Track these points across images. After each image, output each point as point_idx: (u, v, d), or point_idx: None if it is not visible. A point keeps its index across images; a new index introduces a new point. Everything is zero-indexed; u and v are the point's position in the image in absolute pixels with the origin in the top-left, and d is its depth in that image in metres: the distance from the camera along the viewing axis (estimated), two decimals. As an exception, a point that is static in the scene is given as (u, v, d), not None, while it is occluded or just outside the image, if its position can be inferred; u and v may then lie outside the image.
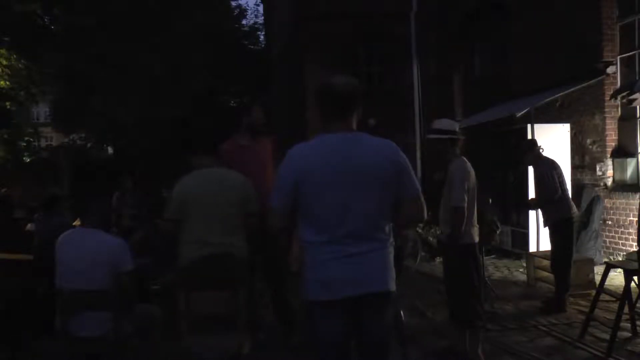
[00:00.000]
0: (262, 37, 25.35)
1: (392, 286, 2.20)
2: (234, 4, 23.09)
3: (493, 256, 7.47)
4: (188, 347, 3.11)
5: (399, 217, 2.25)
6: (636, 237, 4.54)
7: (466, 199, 3.55)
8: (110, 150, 20.90)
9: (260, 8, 25.79)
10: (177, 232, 3.32)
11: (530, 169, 5.54)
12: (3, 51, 12.37)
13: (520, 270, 6.75)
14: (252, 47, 24.42)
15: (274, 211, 2.18)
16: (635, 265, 3.88)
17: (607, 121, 7.03)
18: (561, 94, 7.31)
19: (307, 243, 2.17)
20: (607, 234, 6.99)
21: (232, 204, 3.32)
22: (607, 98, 6.95)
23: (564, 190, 5.01)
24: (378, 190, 2.15)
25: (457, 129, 3.80)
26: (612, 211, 6.94)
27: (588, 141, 7.34)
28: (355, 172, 2.12)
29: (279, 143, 4.25)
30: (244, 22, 24.43)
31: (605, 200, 7.03)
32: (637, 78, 6.56)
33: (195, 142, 3.55)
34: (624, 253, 6.55)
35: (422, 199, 2.24)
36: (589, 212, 7.02)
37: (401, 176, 2.18)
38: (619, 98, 6.64)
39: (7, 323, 4.12)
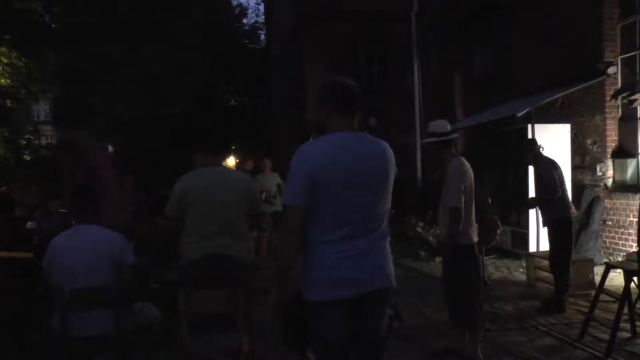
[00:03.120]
0: (262, 36, 25.38)
1: (394, 281, 2.25)
2: (234, 2, 23.13)
3: (493, 256, 7.46)
4: (187, 346, 3.10)
5: None
6: (636, 238, 4.54)
7: (463, 199, 3.55)
8: (110, 148, 20.89)
9: (261, 7, 25.80)
10: (176, 229, 3.28)
11: (531, 169, 5.54)
12: (3, 49, 12.36)
13: (520, 270, 6.75)
14: (252, 46, 24.43)
15: (293, 209, 2.12)
16: (635, 265, 3.88)
17: (608, 122, 7.02)
18: (562, 94, 7.31)
19: (318, 242, 2.14)
20: (607, 234, 6.99)
21: (234, 204, 3.27)
22: (608, 98, 6.95)
23: (564, 190, 5.01)
24: (384, 188, 2.21)
25: (449, 129, 3.81)
26: (612, 212, 6.94)
27: (588, 141, 7.34)
28: (366, 171, 2.16)
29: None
30: (244, 21, 24.48)
31: (605, 200, 7.03)
32: (637, 79, 6.56)
33: (201, 141, 3.44)
34: (624, 253, 6.55)
35: None
36: (589, 213, 7.02)
37: (395, 174, 2.28)
38: (619, 98, 6.64)
39: (8, 321, 4.12)
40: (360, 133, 2.23)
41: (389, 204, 2.24)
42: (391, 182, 2.25)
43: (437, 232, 4.80)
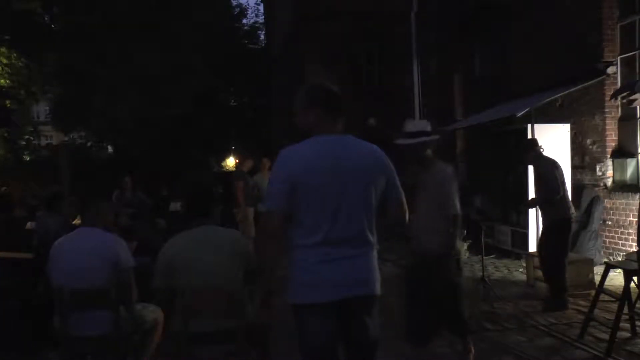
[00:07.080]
0: (262, 36, 25.38)
1: (379, 289, 2.22)
2: (234, 2, 23.12)
3: (493, 256, 7.46)
4: (187, 346, 3.10)
5: (384, 219, 2.28)
6: (636, 238, 4.54)
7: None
8: (110, 149, 20.90)
9: (261, 7, 25.81)
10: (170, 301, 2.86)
11: (531, 169, 5.54)
12: (3, 50, 12.39)
13: (520, 270, 6.75)
14: (252, 46, 24.43)
15: (272, 213, 2.11)
16: (634, 265, 3.88)
17: (607, 121, 7.02)
18: (561, 94, 7.31)
19: (297, 246, 2.14)
20: (607, 234, 6.99)
21: (225, 268, 2.80)
22: (608, 98, 6.94)
23: (564, 190, 5.02)
24: (368, 194, 2.17)
25: (429, 129, 3.40)
26: (612, 211, 6.94)
27: (588, 141, 7.34)
28: (348, 175, 2.13)
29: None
30: (244, 21, 24.47)
31: (605, 200, 7.03)
32: (637, 78, 6.55)
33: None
34: (624, 253, 6.54)
35: (405, 202, 2.30)
36: (588, 213, 7.02)
37: (389, 180, 2.23)
38: (619, 98, 6.62)
39: (8, 323, 4.12)
40: (343, 136, 2.19)
41: (373, 211, 2.18)
42: (377, 187, 2.18)
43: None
